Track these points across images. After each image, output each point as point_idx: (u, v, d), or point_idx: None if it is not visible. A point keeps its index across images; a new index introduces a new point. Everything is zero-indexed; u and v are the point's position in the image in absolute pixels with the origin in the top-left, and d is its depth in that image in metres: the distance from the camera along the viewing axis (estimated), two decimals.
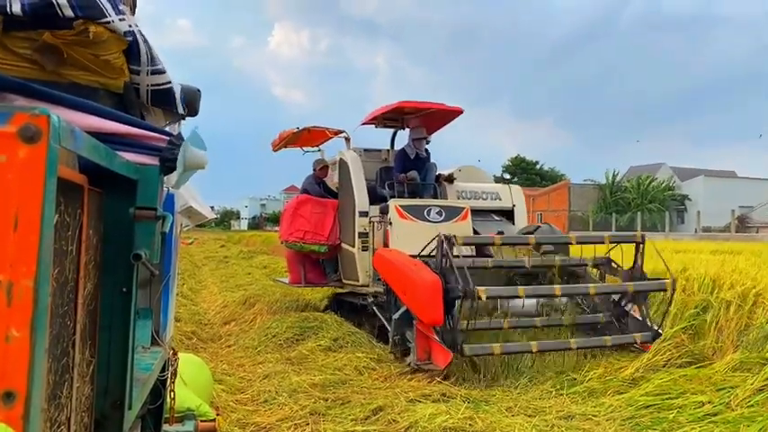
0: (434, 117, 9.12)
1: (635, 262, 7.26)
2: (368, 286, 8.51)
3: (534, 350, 6.49)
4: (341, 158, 9.11)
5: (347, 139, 9.33)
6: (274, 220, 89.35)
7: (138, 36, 1.80)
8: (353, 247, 8.67)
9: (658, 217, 46.20)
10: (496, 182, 9.87)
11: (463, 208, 8.32)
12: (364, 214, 8.57)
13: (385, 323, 7.62)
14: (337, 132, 9.42)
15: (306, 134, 9.75)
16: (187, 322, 8.90)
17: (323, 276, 9.60)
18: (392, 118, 9.47)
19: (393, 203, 8.06)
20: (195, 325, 8.97)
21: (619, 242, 7.37)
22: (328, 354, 7.18)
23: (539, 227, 8.29)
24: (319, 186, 9.57)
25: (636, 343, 6.81)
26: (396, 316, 7.11)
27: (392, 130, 9.90)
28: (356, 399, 5.55)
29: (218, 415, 4.03)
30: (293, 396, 5.62)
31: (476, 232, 8.19)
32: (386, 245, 8.26)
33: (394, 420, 4.89)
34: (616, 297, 7.34)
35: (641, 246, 7.18)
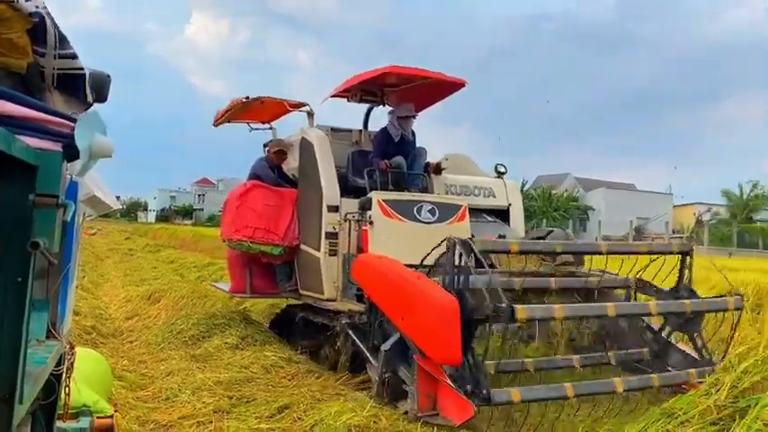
0: (426, 90, 7.40)
1: (680, 279, 5.80)
2: (335, 300, 6.75)
3: (570, 395, 4.90)
4: (303, 138, 7.28)
5: (310, 115, 7.50)
6: (184, 213, 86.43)
7: (46, 18, 1.79)
8: (318, 250, 6.90)
9: (563, 225, 47.86)
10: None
11: (460, 206, 6.69)
12: (334, 209, 6.80)
13: (365, 353, 5.91)
14: (298, 105, 7.56)
15: (257, 106, 7.84)
16: (87, 316, 8.48)
17: (274, 284, 7.75)
18: (371, 90, 7.67)
19: (376, 197, 6.31)
20: (95, 319, 8.60)
21: (661, 253, 5.85)
22: (235, 351, 6.92)
23: (551, 231, 6.73)
24: (274, 172, 7.68)
25: (688, 382, 5.32)
26: (386, 347, 5.42)
27: (366, 107, 8.10)
28: (262, 397, 5.48)
29: (116, 411, 3.88)
30: (197, 394, 5.52)
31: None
32: (360, 249, 6.51)
33: (299, 418, 4.86)
34: (654, 324, 5.90)
35: (688, 258, 5.72)
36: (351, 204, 6.84)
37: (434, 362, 4.85)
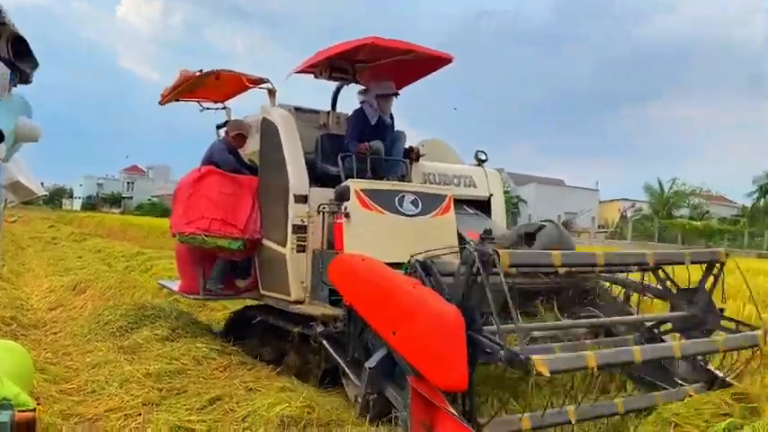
0: (406, 66, 6.33)
1: (701, 283, 4.97)
2: (302, 303, 5.67)
3: (573, 420, 3.99)
4: (265, 118, 6.13)
5: (271, 93, 6.33)
6: (112, 201, 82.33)
7: None
8: (283, 245, 5.79)
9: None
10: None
11: (445, 196, 5.69)
12: (302, 199, 5.71)
13: (343, 367, 4.87)
14: (257, 82, 6.38)
15: (211, 82, 6.63)
16: (6, 307, 7.99)
17: (231, 283, 6.58)
18: (342, 66, 6.56)
19: (353, 186, 5.25)
20: (15, 310, 8.05)
21: (699, 262, 4.98)
22: (165, 343, 6.39)
23: (542, 226, 5.79)
24: (233, 156, 6.50)
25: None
26: (371, 364, 4.40)
27: (335, 86, 6.97)
28: (193, 388, 5.16)
29: (38, 405, 3.69)
30: (124, 386, 5.19)
31: None
32: (332, 245, 5.45)
33: (231, 410, 4.62)
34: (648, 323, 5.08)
35: (717, 268, 4.88)
36: (321, 194, 5.76)
37: (434, 386, 3.86)
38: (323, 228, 5.47)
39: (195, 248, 6.21)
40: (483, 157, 6.82)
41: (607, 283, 5.49)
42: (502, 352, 3.68)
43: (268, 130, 6.07)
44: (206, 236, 5.98)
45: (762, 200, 51.85)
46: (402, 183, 5.85)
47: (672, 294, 5.13)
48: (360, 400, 4.43)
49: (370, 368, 4.40)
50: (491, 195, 6.74)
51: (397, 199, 5.41)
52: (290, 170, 5.74)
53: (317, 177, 5.91)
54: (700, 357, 4.94)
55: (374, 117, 6.11)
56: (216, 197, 6.07)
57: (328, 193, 5.80)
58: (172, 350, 6.09)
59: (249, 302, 6.90)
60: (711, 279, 4.87)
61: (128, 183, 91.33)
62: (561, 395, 4.59)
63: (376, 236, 5.26)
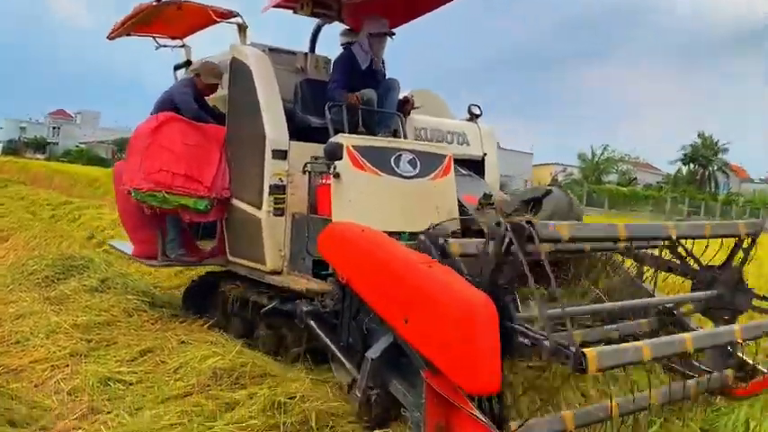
0: (401, 3, 5.31)
1: (729, 259, 4.28)
2: (280, 274, 4.74)
3: (615, 414, 3.23)
4: (235, 58, 5.07)
5: (242, 29, 5.23)
6: (36, 146, 75.28)
7: None
8: (258, 207, 4.82)
9: None
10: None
11: (444, 156, 4.80)
12: (281, 155, 4.72)
13: (334, 352, 3.98)
14: (226, 15, 5.27)
15: (172, 13, 5.46)
16: None
17: (194, 247, 5.56)
18: (325, 1, 5.49)
19: (346, 142, 4.30)
20: None
21: (722, 236, 4.24)
22: (94, 294, 6.00)
23: (548, 191, 4.97)
24: (198, 103, 5.40)
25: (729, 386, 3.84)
26: (374, 354, 3.52)
27: (315, 24, 5.90)
28: (123, 340, 4.87)
29: None
30: (51, 337, 4.86)
31: None
32: (315, 210, 4.53)
33: (163, 361, 4.40)
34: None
35: (749, 241, 4.18)
36: (303, 149, 4.80)
37: (458, 387, 3.03)
38: (308, 189, 4.50)
39: (151, 209, 5.13)
40: (477, 112, 5.93)
41: (618, 257, 4.74)
42: (547, 343, 2.86)
43: (239, 73, 5.01)
44: (167, 194, 4.93)
45: (686, 167, 53.12)
46: (398, 140, 4.92)
47: (694, 271, 4.44)
48: (359, 394, 3.57)
49: (372, 359, 3.53)
50: (485, 155, 5.87)
51: (393, 158, 4.51)
52: (266, 120, 4.74)
53: (297, 129, 4.92)
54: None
55: (365, 61, 5.12)
56: (178, 149, 5.01)
57: (311, 149, 4.84)
58: (101, 302, 5.72)
59: (211, 267, 5.89)
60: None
61: (53, 128, 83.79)
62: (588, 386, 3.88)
63: (369, 200, 4.37)
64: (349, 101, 4.77)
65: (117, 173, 5.59)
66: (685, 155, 51.92)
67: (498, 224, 3.10)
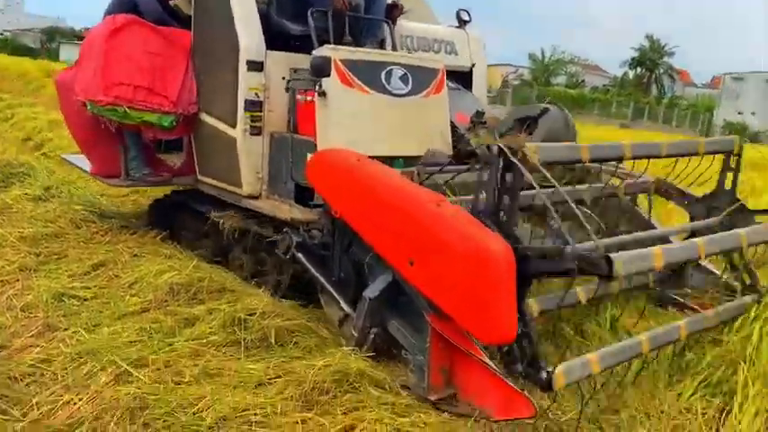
0: None
1: (720, 184, 4.09)
2: (258, 198, 4.33)
3: (645, 349, 3.06)
4: None
5: None
6: None
7: None
8: (232, 125, 4.32)
9: None
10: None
11: (437, 70, 4.34)
12: (257, 67, 4.18)
13: (325, 286, 3.67)
14: None
15: None
16: None
17: (160, 165, 5.04)
18: None
19: (333, 55, 3.79)
20: None
21: (714, 152, 3.99)
22: (38, 204, 5.59)
23: (546, 109, 4.62)
24: (162, 7, 4.70)
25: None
26: (372, 293, 3.23)
27: None
28: (74, 254, 4.56)
29: None
30: None
31: None
32: (296, 129, 4.09)
33: (116, 276, 4.19)
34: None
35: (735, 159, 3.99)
36: (281, 60, 4.27)
37: (475, 337, 2.79)
38: (288, 106, 4.02)
39: (108, 122, 4.54)
40: (466, 18, 5.38)
41: (617, 181, 4.48)
42: (570, 249, 2.60)
43: None
44: (129, 108, 4.35)
45: (632, 71, 53.15)
46: (388, 52, 4.42)
47: (692, 199, 4.24)
48: (356, 333, 3.30)
49: (370, 299, 3.23)
50: (473, 65, 5.40)
51: (384, 73, 4.02)
52: (239, 27, 4.16)
53: (273, 37, 4.35)
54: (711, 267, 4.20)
55: None
56: (140, 58, 4.38)
57: (290, 60, 4.32)
58: (46, 212, 5.28)
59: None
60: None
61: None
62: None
63: (359, 121, 3.93)
64: (335, 6, 4.19)
65: (63, 81, 4.89)
66: (633, 58, 51.81)
67: (489, 148, 2.73)
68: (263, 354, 3.29)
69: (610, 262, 2.54)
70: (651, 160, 3.70)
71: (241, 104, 4.19)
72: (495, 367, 2.80)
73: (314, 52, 3.88)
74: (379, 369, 3.14)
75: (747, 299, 3.71)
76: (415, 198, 2.96)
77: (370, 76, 3.96)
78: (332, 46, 3.95)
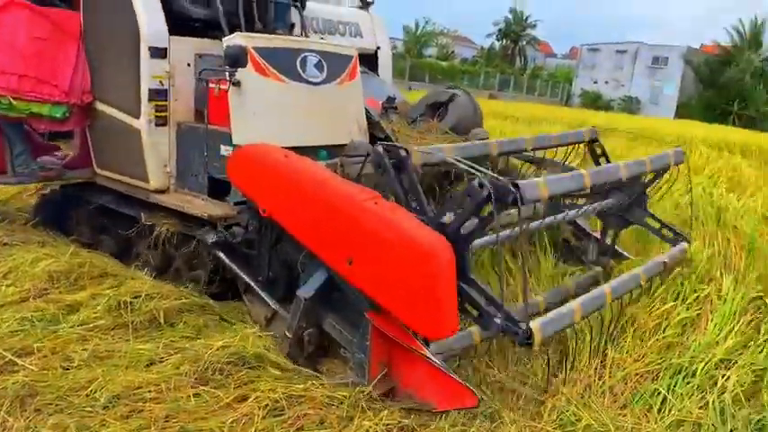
0: None
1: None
2: (165, 192, 4.05)
3: (577, 317, 3.20)
4: None
5: None
6: None
7: None
8: (134, 115, 3.99)
9: None
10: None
11: (351, 57, 4.22)
12: (160, 54, 3.87)
13: (251, 286, 3.52)
14: None
15: None
16: None
17: (49, 157, 4.57)
18: None
19: (247, 43, 3.57)
20: None
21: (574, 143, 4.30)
22: None
23: (454, 95, 4.65)
24: None
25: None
26: (307, 293, 3.13)
27: None
28: None
29: None
30: None
31: None
32: (206, 119, 3.86)
33: None
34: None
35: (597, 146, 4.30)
36: (185, 46, 3.98)
37: (420, 334, 2.78)
38: (195, 94, 3.77)
39: None
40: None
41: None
42: (498, 320, 2.68)
43: None
44: (14, 99, 3.88)
45: (498, 43, 54.99)
46: (302, 39, 4.23)
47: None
48: (289, 334, 3.19)
49: (306, 299, 3.12)
50: (378, 48, 5.31)
51: (299, 61, 3.85)
52: (140, 10, 3.82)
53: (174, 20, 4.01)
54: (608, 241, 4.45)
55: None
56: (24, 44, 3.90)
57: (195, 45, 4.04)
58: None
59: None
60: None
61: None
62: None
63: (276, 112, 3.76)
64: None
65: None
66: (499, 30, 53.63)
67: (481, 186, 2.68)
68: (153, 333, 3.30)
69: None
70: None
71: (144, 93, 3.87)
72: (436, 360, 2.81)
73: (225, 40, 3.64)
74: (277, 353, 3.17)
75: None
76: (350, 196, 2.88)
77: (286, 64, 3.78)
78: (245, 33, 3.72)
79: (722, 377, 3.08)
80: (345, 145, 3.93)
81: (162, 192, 4.06)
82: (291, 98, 3.81)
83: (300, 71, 3.85)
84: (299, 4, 4.46)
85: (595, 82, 45.04)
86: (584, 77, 45.97)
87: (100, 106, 4.20)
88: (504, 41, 54.19)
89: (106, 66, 4.10)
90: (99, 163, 4.39)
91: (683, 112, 36.40)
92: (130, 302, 3.45)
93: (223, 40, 3.68)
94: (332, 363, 3.24)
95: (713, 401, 2.95)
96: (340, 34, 5.00)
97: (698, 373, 3.07)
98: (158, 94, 3.90)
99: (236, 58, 3.45)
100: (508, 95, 43.14)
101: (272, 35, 3.94)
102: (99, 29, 4.09)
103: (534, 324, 2.70)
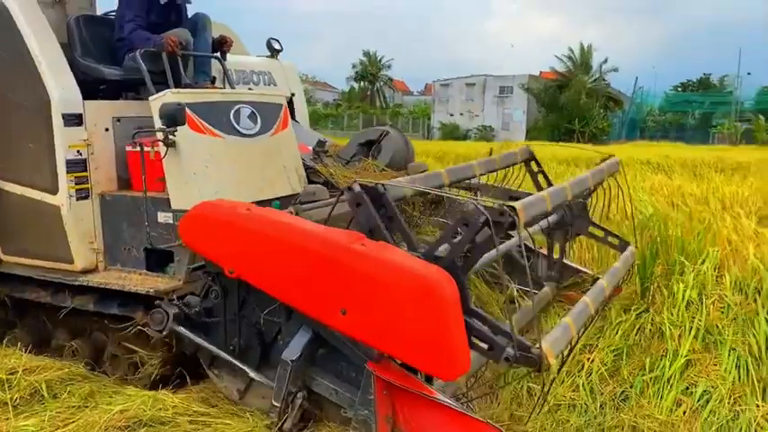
0: None
1: (536, 184, 4.55)
2: (96, 271, 3.63)
3: (573, 332, 3.17)
4: None
5: None
6: None
7: None
8: (52, 192, 3.56)
9: None
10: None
11: (281, 105, 4.04)
12: (75, 120, 3.49)
13: (220, 356, 3.18)
14: None
15: None
16: None
17: None
18: None
19: (180, 99, 3.31)
20: None
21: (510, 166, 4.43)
22: None
23: (385, 132, 4.60)
24: None
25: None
26: (293, 355, 2.89)
27: None
28: None
29: None
30: None
31: None
32: (128, 185, 3.54)
33: None
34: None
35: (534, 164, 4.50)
36: (100, 110, 3.62)
37: (435, 375, 2.63)
38: (116, 159, 3.44)
39: None
40: (278, 47, 5.09)
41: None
42: (511, 350, 2.59)
43: None
44: None
45: (357, 84, 56.39)
46: (230, 91, 3.98)
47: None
48: (277, 403, 2.89)
49: (293, 361, 2.86)
50: (293, 95, 5.14)
51: (232, 114, 3.61)
52: (48, 75, 3.42)
53: (81, 83, 3.64)
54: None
55: None
56: None
57: (110, 109, 3.69)
58: None
59: None
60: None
61: None
62: None
63: (216, 169, 3.48)
64: (166, 49, 3.62)
65: None
66: (357, 72, 55.05)
67: (477, 212, 2.59)
68: (36, 408, 3.11)
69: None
70: None
71: (62, 165, 3.45)
72: (451, 402, 2.65)
73: (155, 99, 3.33)
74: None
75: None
76: (334, 241, 2.68)
77: (219, 118, 3.53)
78: (175, 90, 3.43)
79: (587, 360, 3.46)
80: (291, 196, 3.73)
81: (90, 271, 3.61)
82: (230, 153, 3.55)
83: (235, 124, 3.61)
84: (219, 55, 4.20)
85: (451, 114, 47.24)
86: (440, 111, 48.09)
87: (3, 185, 3.69)
88: (363, 83, 55.67)
89: (8, 140, 3.62)
90: (6, 249, 3.84)
91: (532, 134, 39.00)
92: (7, 380, 3.22)
93: (150, 99, 3.38)
94: (327, 426, 2.97)
95: (582, 383, 3.32)
96: (254, 84, 4.80)
97: (567, 360, 3.29)
98: (77, 165, 3.50)
99: (174, 117, 3.15)
100: None
101: (201, 89, 3.68)
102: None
103: (545, 346, 2.63)
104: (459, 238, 2.61)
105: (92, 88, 3.71)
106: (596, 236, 4.25)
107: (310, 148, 4.37)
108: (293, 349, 2.90)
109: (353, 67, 54.94)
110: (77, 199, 3.52)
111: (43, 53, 3.41)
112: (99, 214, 3.61)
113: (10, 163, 3.65)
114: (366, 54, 55.13)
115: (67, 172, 3.46)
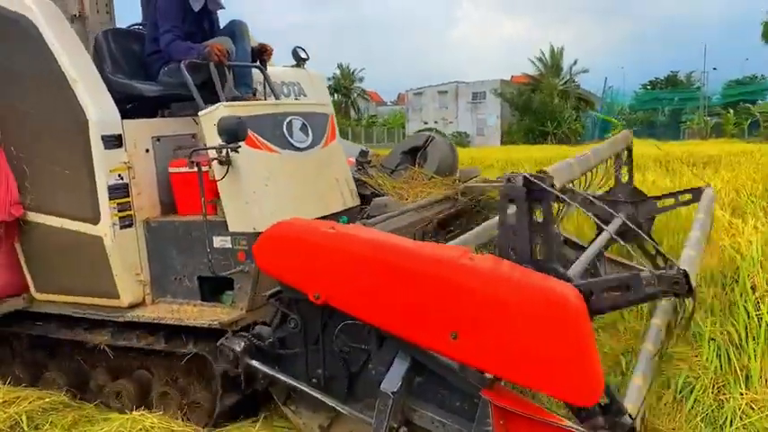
0: None
1: (617, 179, 4.29)
2: (143, 305, 3.28)
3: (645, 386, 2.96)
4: (17, 12, 3.14)
5: None
6: None
7: None
8: (92, 221, 3.21)
9: None
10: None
11: (328, 115, 3.74)
12: (115, 142, 3.15)
13: (302, 390, 2.87)
14: None
15: None
16: None
17: None
18: None
19: (239, 113, 3.00)
20: None
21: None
22: None
23: (430, 137, 4.32)
24: None
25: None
26: (393, 387, 2.58)
27: None
28: None
29: None
30: None
31: None
32: (169, 208, 3.24)
33: None
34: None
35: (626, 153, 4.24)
36: (141, 129, 3.29)
37: (568, 402, 2.34)
38: (157, 181, 3.12)
39: None
40: (304, 56, 4.77)
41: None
42: (647, 274, 2.31)
43: (11, 31, 3.13)
44: None
45: (332, 98, 56.01)
46: (280, 102, 3.66)
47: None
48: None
49: (394, 392, 2.55)
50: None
51: (285, 126, 3.31)
52: (83, 94, 3.07)
53: (118, 104, 3.30)
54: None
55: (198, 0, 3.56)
56: None
57: (151, 127, 3.36)
58: None
59: None
60: None
61: None
62: None
63: (275, 187, 3.17)
64: (214, 54, 3.29)
65: None
66: (330, 86, 54.75)
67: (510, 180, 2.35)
68: None
69: (687, 277, 2.30)
70: None
71: (103, 192, 3.10)
72: (579, 427, 2.37)
73: (204, 114, 3.01)
74: None
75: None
76: (440, 258, 2.38)
77: (273, 132, 3.23)
78: (227, 102, 3.11)
79: None
80: (346, 210, 3.44)
81: (137, 305, 3.26)
82: (286, 169, 3.24)
83: (288, 137, 3.30)
84: (259, 65, 3.87)
85: (426, 123, 47.20)
86: (414, 120, 48.06)
87: (34, 217, 3.32)
88: (337, 96, 55.43)
89: (39, 168, 3.26)
90: (39, 286, 3.46)
91: (507, 139, 39.17)
92: None
93: (200, 113, 3.05)
94: None
95: None
96: (284, 95, 4.48)
97: None
98: (119, 191, 3.16)
99: (235, 133, 2.83)
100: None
101: (253, 101, 3.36)
102: (24, 126, 3.25)
103: (632, 408, 2.38)
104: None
105: (120, 107, 3.37)
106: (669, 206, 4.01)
107: (353, 159, 4.08)
108: (392, 380, 2.58)
109: (328, 80, 54.62)
110: (121, 227, 3.17)
111: (77, 70, 3.06)
112: (144, 243, 3.26)
113: (42, 192, 3.28)
114: (339, 66, 54.96)
115: (110, 199, 3.12)
